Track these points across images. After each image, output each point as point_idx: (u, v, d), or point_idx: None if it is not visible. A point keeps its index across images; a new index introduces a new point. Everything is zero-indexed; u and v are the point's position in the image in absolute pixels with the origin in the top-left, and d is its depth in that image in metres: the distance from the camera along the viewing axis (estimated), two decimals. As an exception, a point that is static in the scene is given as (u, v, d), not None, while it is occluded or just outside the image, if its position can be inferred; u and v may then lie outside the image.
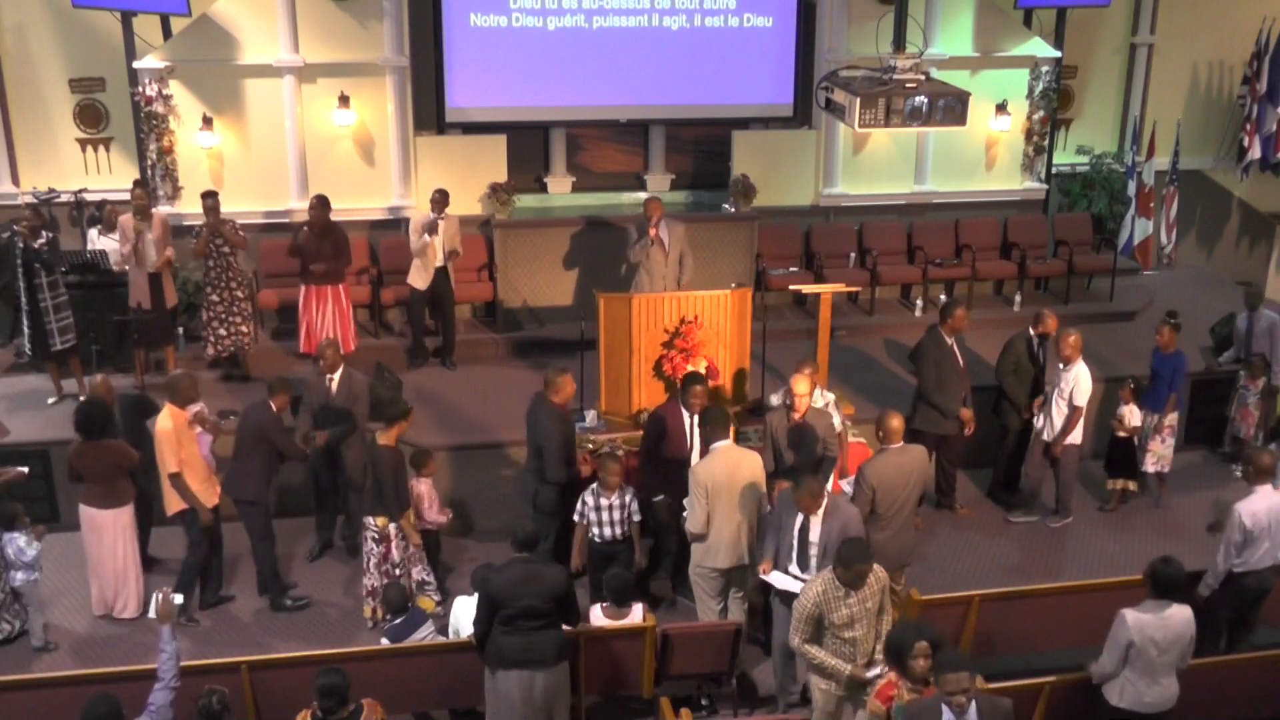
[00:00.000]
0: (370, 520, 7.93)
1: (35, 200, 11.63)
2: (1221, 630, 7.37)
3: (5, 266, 10.94)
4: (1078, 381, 8.95)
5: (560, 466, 8.05)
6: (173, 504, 8.01)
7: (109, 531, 7.99)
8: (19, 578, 7.76)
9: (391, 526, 7.88)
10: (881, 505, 7.34)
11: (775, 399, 8.70)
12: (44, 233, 9.78)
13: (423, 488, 8.25)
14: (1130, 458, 9.63)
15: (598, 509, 7.88)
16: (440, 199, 10.41)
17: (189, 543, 8.12)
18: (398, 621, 7.02)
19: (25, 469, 8.42)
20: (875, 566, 6.17)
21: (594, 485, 7.92)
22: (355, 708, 5.56)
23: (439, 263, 10.49)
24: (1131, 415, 9.47)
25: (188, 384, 8.04)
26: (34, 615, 7.86)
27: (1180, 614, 6.09)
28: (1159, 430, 9.49)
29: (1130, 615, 6.06)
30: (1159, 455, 9.59)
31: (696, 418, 7.80)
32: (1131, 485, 9.71)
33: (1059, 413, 9.08)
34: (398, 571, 7.95)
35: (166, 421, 7.88)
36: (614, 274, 11.21)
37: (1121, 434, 9.55)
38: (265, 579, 8.37)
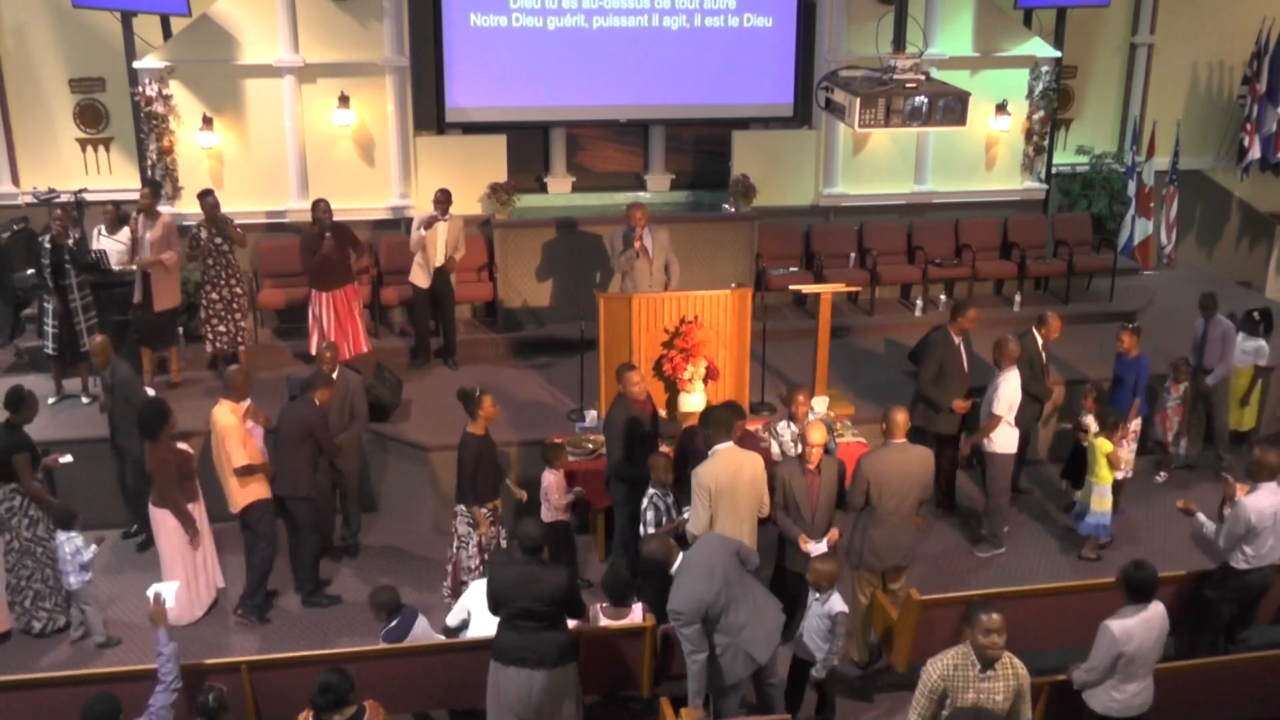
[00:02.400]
0: (462, 508, 7.98)
1: (35, 200, 11.62)
2: (1220, 630, 7.37)
3: (4, 265, 10.99)
4: (1001, 390, 8.74)
5: (615, 455, 8.05)
6: (240, 499, 7.97)
7: (159, 529, 8.07)
8: (72, 579, 7.79)
9: (485, 510, 7.91)
10: (878, 500, 7.30)
11: (775, 448, 8.29)
12: (71, 232, 9.80)
13: (552, 479, 8.35)
14: None
15: (670, 509, 7.69)
16: (443, 198, 10.41)
17: (259, 538, 8.06)
18: (393, 624, 6.99)
19: (69, 457, 8.45)
20: (1015, 660, 5.51)
21: (651, 493, 7.68)
22: (358, 709, 5.51)
23: (439, 262, 10.49)
24: (1095, 424, 9.19)
25: (241, 380, 8.08)
26: (93, 612, 7.92)
27: (1157, 612, 6.08)
28: (1124, 436, 9.09)
29: (1116, 626, 5.99)
30: (1124, 460, 9.25)
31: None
32: None
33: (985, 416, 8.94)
34: (486, 557, 7.94)
35: (229, 417, 7.91)
36: (613, 274, 11.21)
37: (1084, 443, 9.23)
38: (303, 575, 8.37)
